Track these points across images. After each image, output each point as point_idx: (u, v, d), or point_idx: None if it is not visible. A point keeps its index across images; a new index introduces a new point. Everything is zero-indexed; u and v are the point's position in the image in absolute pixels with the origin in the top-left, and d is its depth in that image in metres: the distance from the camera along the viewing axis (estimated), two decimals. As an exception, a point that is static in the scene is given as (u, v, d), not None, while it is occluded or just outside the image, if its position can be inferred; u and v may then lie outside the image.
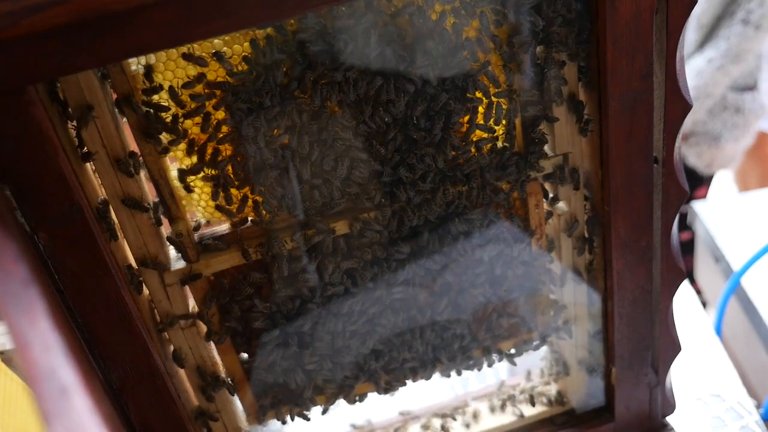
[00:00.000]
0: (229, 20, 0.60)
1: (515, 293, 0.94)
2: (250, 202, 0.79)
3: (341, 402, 0.98)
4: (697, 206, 1.62)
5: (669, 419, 1.06)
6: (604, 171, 0.83)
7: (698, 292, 1.90)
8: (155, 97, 0.71)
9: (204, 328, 0.86)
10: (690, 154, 2.25)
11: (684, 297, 1.38)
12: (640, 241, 0.87)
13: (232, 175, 0.77)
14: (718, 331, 1.33)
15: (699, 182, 2.38)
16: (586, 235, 0.91)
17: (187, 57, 0.70)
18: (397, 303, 0.90)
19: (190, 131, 0.74)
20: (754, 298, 1.34)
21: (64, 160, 0.66)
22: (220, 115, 0.74)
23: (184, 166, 0.77)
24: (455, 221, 0.85)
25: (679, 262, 0.91)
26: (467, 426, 1.07)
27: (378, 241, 0.84)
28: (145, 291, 0.81)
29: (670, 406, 1.04)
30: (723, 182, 3.15)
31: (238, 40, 0.71)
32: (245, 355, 0.90)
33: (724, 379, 1.21)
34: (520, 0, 0.73)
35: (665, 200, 0.86)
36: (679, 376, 1.21)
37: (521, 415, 1.06)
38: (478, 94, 0.78)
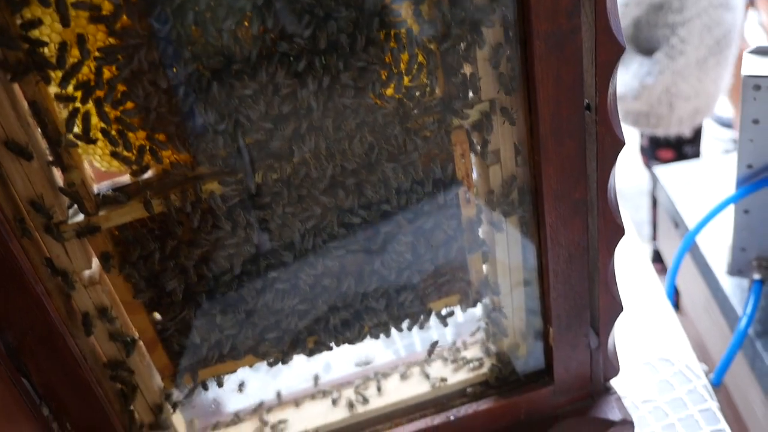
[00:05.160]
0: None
1: (444, 250, 0.89)
2: (148, 149, 0.73)
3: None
4: (658, 171, 1.57)
5: (613, 382, 1.02)
6: (533, 117, 0.78)
7: (662, 260, 1.86)
8: (35, 32, 0.65)
9: (109, 284, 0.81)
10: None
11: (640, 263, 1.34)
12: (573, 192, 0.82)
13: (126, 119, 0.71)
14: (671, 294, 1.29)
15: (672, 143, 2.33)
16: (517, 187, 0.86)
17: None
18: (321, 265, 0.85)
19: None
20: (710, 260, 1.30)
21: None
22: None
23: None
24: (376, 172, 0.80)
25: (618, 218, 0.86)
26: (403, 380, 1.02)
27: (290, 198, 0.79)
28: (43, 248, 0.76)
29: (613, 369, 1.00)
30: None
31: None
32: (158, 315, 0.86)
33: (675, 343, 1.18)
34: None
35: (600, 151, 0.81)
36: (627, 340, 1.17)
37: (446, 379, 1.02)
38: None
